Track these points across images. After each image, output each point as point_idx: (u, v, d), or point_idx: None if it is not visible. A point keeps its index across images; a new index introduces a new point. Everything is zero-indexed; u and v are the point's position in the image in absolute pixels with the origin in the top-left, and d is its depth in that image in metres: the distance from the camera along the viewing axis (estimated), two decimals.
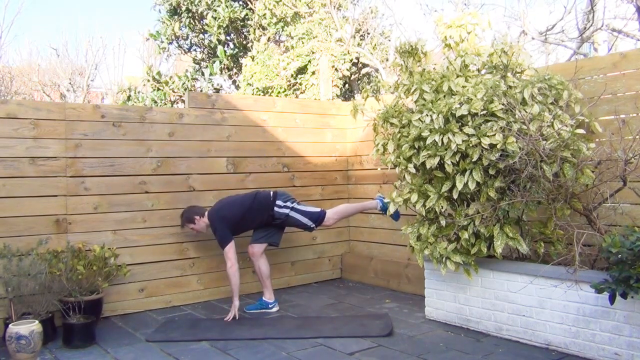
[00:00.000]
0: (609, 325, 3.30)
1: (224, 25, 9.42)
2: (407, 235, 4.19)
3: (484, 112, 3.67)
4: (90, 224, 4.58)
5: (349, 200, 6.11)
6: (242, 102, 5.50)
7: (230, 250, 4.53)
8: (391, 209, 4.18)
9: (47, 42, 28.80)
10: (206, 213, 4.72)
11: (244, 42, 9.79)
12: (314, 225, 4.81)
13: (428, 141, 3.77)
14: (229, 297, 5.17)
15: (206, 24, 9.59)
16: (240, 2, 9.70)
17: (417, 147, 3.93)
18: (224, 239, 4.55)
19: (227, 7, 9.30)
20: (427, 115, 3.88)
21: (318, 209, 4.87)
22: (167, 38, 10.26)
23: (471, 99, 3.71)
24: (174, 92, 9.03)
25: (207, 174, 5.19)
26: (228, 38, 9.99)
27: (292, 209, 4.74)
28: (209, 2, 9.44)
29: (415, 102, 4.14)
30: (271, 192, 4.82)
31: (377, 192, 5.73)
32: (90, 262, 4.27)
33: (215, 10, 9.38)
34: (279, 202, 4.73)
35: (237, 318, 4.47)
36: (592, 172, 3.58)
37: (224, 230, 4.57)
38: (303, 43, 8.47)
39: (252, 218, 4.71)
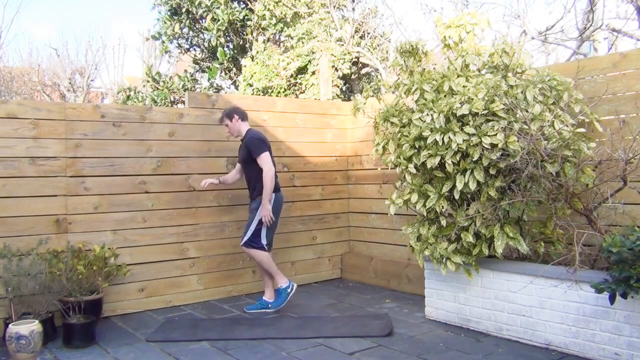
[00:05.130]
0: (609, 325, 3.30)
1: (223, 29, 9.39)
2: (407, 235, 4.19)
3: (485, 111, 3.67)
4: (90, 224, 4.58)
5: (349, 200, 6.11)
6: (242, 102, 5.49)
7: (267, 155, 4.55)
8: None
9: (47, 42, 28.85)
10: (248, 125, 4.78)
11: (242, 43, 9.77)
12: (246, 239, 4.64)
13: (429, 140, 3.77)
14: (229, 297, 5.20)
15: (205, 27, 9.57)
16: (241, 3, 9.69)
17: (417, 146, 3.94)
18: (260, 148, 4.56)
19: (226, 8, 9.27)
20: (427, 114, 3.88)
21: (263, 240, 4.63)
22: (168, 38, 10.24)
23: (472, 99, 3.71)
24: (172, 92, 9.02)
25: (207, 174, 5.18)
26: (227, 39, 9.97)
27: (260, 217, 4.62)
28: (209, 4, 9.42)
29: (416, 101, 4.14)
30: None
31: (377, 192, 5.75)
32: (90, 262, 4.27)
33: (215, 13, 9.36)
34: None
35: (272, 217, 4.54)
36: (593, 171, 3.58)
37: (261, 146, 4.58)
38: (303, 43, 8.46)
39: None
